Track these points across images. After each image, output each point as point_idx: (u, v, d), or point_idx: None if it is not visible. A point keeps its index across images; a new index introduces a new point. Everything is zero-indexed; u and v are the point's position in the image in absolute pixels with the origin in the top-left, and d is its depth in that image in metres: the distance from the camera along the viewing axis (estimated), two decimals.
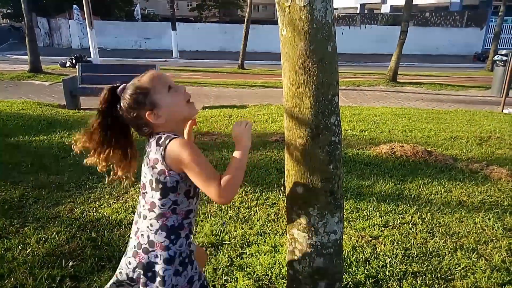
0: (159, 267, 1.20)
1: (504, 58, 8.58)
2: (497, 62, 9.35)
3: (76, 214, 2.78)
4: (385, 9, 36.40)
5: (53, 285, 1.96)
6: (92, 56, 14.85)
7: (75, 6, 23.64)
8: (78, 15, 23.80)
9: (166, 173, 1.17)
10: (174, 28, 20.59)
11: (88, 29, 14.72)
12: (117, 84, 1.29)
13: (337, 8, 43.56)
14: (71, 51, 20.54)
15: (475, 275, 2.15)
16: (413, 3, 12.59)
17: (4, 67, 14.61)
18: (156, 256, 1.21)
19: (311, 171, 1.35)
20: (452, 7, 31.27)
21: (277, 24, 1.31)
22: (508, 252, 2.40)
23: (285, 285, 1.63)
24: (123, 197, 3.09)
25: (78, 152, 1.31)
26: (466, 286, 2.05)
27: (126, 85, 1.28)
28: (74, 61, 15.87)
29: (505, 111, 8.04)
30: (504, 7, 17.06)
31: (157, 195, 1.21)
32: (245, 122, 1.27)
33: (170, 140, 1.17)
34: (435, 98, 10.24)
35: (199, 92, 10.00)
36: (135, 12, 32.89)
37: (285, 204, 1.62)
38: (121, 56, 19.64)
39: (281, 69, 1.35)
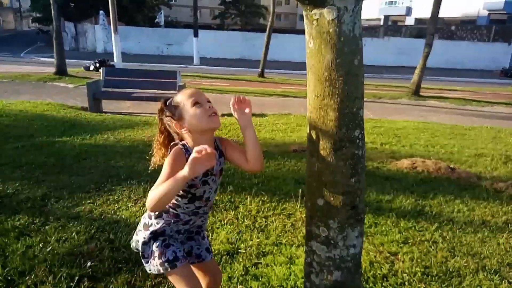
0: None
1: None
2: None
3: (95, 215, 2.82)
4: (410, 21, 36.11)
5: (71, 284, 1.99)
6: (115, 60, 15.21)
7: (101, 11, 24.37)
8: (103, 20, 24.53)
9: None
10: (196, 35, 20.91)
11: (112, 34, 15.12)
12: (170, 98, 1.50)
13: None
14: (96, 55, 21.11)
15: None
16: (439, 16, 12.41)
17: (31, 69, 15.09)
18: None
19: (333, 183, 1.33)
20: (479, 21, 30.78)
21: (298, 33, 1.32)
22: None
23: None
24: (141, 200, 3.12)
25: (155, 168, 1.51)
26: None
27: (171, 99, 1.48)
28: (97, 65, 16.30)
29: None
30: None
31: None
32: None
33: (171, 148, 1.39)
34: (459, 113, 10.03)
35: (219, 99, 10.07)
36: (158, 18, 33.62)
37: (302, 216, 1.62)
38: (143, 61, 20.06)
39: (306, 80, 1.35)
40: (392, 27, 33.01)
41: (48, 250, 2.30)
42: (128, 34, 24.44)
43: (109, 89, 8.34)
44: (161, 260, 1.42)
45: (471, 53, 25.37)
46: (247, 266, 2.26)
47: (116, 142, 4.99)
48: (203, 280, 1.61)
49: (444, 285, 2.17)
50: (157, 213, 1.45)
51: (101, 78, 8.46)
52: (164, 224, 1.46)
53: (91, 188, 3.34)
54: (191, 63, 21.00)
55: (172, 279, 1.46)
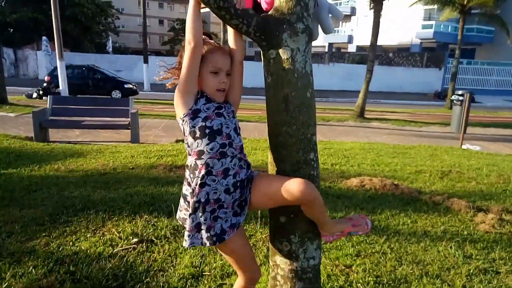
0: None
1: (461, 98, 9.28)
2: (454, 101, 10.06)
3: (52, 248, 2.75)
4: (352, 48, 38.49)
5: None
6: (61, 87, 14.68)
7: (44, 37, 23.56)
8: (47, 46, 23.68)
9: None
10: (146, 61, 20.81)
11: (58, 60, 14.64)
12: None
13: None
14: (38, 82, 20.25)
15: None
16: (378, 43, 13.46)
17: None
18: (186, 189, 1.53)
19: None
20: (413, 49, 33.48)
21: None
22: (468, 277, 2.59)
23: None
24: (100, 230, 3.08)
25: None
26: None
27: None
28: (41, 92, 15.65)
29: (463, 146, 8.61)
30: (459, 50, 18.48)
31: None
32: None
33: None
34: (400, 134, 10.81)
35: (172, 125, 10.09)
36: (107, 45, 33.04)
37: (262, 236, 1.74)
38: None
39: (266, 110, 1.51)
40: (336, 53, 34.92)
41: (4, 287, 2.23)
42: (73, 60, 23.71)
43: (57, 118, 8.08)
44: (208, 234, 1.44)
45: (407, 77, 27.49)
46: (212, 287, 2.33)
47: (68, 172, 4.85)
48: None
49: None
50: (189, 175, 1.47)
51: (48, 106, 8.19)
52: (202, 184, 1.44)
53: (45, 220, 3.23)
54: (141, 89, 20.77)
55: (221, 251, 1.54)
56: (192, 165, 1.48)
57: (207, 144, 1.44)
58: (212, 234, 1.46)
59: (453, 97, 10.34)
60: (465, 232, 3.35)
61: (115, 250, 2.73)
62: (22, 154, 5.90)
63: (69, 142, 7.66)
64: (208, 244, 1.46)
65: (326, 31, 1.51)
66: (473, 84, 27.45)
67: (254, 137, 8.75)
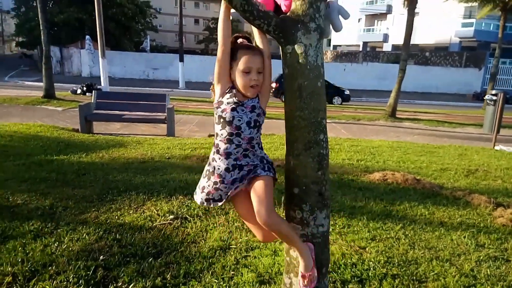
0: None
1: (494, 97, 9.11)
2: (487, 101, 9.87)
3: (101, 220, 3.16)
4: (387, 47, 37.75)
5: (89, 272, 2.33)
6: (102, 84, 15.54)
7: (87, 36, 24.83)
8: (90, 45, 24.97)
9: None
10: (181, 60, 21.48)
11: (100, 58, 15.50)
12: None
13: (340, 45, 45.13)
14: (81, 79, 21.45)
15: (446, 279, 2.50)
16: (414, 42, 13.37)
17: (18, 93, 15.31)
18: None
19: (304, 176, 1.76)
20: (452, 48, 32.44)
21: (280, 58, 1.78)
22: (477, 263, 2.75)
23: (283, 280, 1.99)
24: (140, 208, 3.47)
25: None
26: (437, 287, 2.40)
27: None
28: (85, 88, 16.66)
29: (496, 147, 8.45)
30: (499, 50, 17.85)
31: None
32: None
33: None
34: (432, 134, 10.70)
35: (206, 121, 10.54)
36: (144, 44, 34.27)
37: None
38: (129, 85, 20.48)
39: (284, 97, 1.79)
40: (370, 52, 34.43)
41: (63, 247, 2.64)
42: (114, 59, 24.90)
43: (101, 111, 8.71)
44: (207, 197, 1.82)
45: (444, 77, 26.72)
46: (238, 258, 2.64)
47: (111, 159, 5.33)
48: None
49: (403, 270, 2.59)
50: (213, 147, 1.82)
51: (92, 101, 8.84)
52: (213, 159, 1.79)
53: (94, 198, 3.67)
54: (176, 87, 21.51)
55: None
56: (214, 142, 1.85)
57: (220, 130, 1.78)
58: (210, 197, 1.83)
59: (486, 97, 10.13)
60: (481, 224, 3.47)
61: (154, 224, 3.10)
62: (70, 143, 6.48)
63: (111, 134, 8.23)
64: (205, 204, 1.84)
65: (336, 30, 1.77)
66: None
67: (283, 133, 8.99)
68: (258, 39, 1.82)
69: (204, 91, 20.60)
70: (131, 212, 3.38)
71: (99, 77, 15.80)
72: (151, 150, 6.05)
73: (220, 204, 1.83)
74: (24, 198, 3.56)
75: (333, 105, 17.69)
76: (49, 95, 13.86)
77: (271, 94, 1.93)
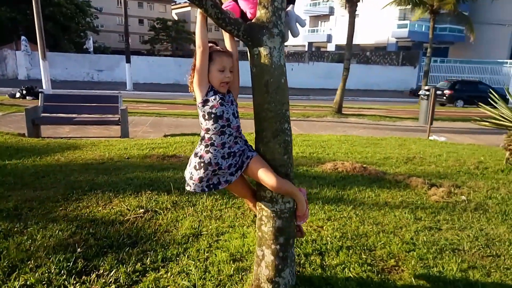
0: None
1: (427, 92, 10.04)
2: (421, 96, 10.84)
3: (71, 217, 3.23)
4: (331, 47, 39.43)
5: (69, 264, 2.44)
6: (44, 87, 14.85)
7: (23, 37, 23.44)
8: (26, 46, 23.58)
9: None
10: (128, 61, 21.01)
11: (40, 60, 14.83)
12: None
13: (287, 45, 46.31)
14: (18, 82, 20.24)
15: (391, 247, 2.91)
16: (356, 42, 14.21)
17: None
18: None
19: (272, 160, 2.05)
20: (389, 48, 34.62)
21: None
22: (416, 232, 3.22)
23: (253, 258, 2.26)
24: (109, 205, 3.57)
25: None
26: (384, 253, 2.80)
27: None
28: (24, 92, 15.79)
29: (430, 138, 9.36)
30: (431, 49, 19.44)
31: None
32: None
33: None
34: (375, 128, 11.52)
35: (159, 122, 10.53)
36: (87, 44, 32.90)
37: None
38: (72, 87, 19.63)
39: (252, 93, 2.06)
40: (316, 52, 35.73)
41: (37, 244, 2.71)
42: (54, 60, 23.65)
43: (49, 115, 8.43)
44: (207, 183, 2.03)
45: (384, 75, 28.52)
46: (210, 242, 2.87)
47: (69, 162, 5.28)
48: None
49: (355, 241, 2.97)
50: (201, 141, 2.03)
51: (39, 104, 8.52)
52: (207, 151, 2.00)
53: (59, 198, 3.70)
54: (124, 88, 20.96)
55: (229, 189, 2.22)
56: (202, 137, 2.05)
57: (212, 125, 1.99)
58: (210, 183, 2.06)
59: (420, 92, 11.13)
60: (419, 202, 3.99)
61: (126, 218, 3.24)
62: (20, 148, 6.27)
63: (61, 138, 8.01)
64: (206, 190, 2.06)
65: (294, 35, 2.08)
66: None
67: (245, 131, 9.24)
68: (228, 43, 2.07)
69: (154, 92, 20.37)
70: (100, 209, 3.47)
71: (38, 79, 15.10)
72: (109, 151, 6.05)
73: (220, 187, 2.07)
74: None
75: None
76: None
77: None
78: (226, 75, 1.99)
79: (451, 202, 4.02)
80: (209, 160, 2.01)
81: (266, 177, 1.99)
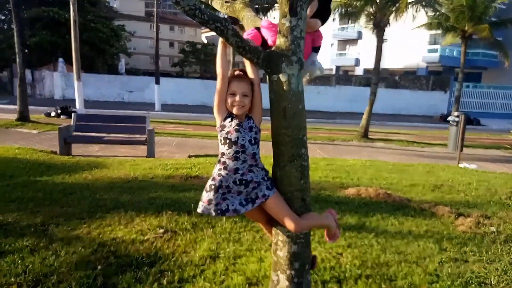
0: None
1: (456, 119, 9.79)
2: (450, 122, 10.57)
3: (93, 235, 3.32)
4: (359, 71, 39.30)
5: (89, 280, 2.50)
6: (77, 107, 15.49)
7: (60, 59, 24.72)
8: (63, 67, 24.85)
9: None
10: (157, 82, 21.69)
11: (75, 81, 15.55)
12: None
13: None
14: (54, 102, 21.22)
15: (413, 277, 2.81)
16: (384, 67, 14.17)
17: None
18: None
19: (289, 184, 2.05)
20: (419, 72, 34.14)
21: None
22: (440, 264, 3.09)
23: (271, 278, 2.24)
24: (131, 224, 3.65)
25: None
26: (405, 284, 2.71)
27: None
28: (59, 111, 16.54)
29: (460, 165, 9.05)
30: (462, 74, 19.06)
31: None
32: None
33: None
34: (402, 153, 11.27)
35: (185, 142, 10.73)
36: (119, 66, 34.27)
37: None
38: (104, 107, 20.32)
39: (270, 117, 2.09)
40: (343, 76, 35.69)
41: (61, 260, 2.79)
42: (88, 81, 24.68)
43: (81, 134, 8.78)
44: (215, 208, 2.00)
45: (413, 100, 28.02)
46: (227, 265, 2.87)
47: (95, 180, 5.45)
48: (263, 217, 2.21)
49: (376, 271, 2.89)
50: (217, 164, 2.06)
51: (72, 123, 8.90)
52: (219, 174, 2.01)
53: (84, 215, 3.82)
54: (152, 109, 21.55)
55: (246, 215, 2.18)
56: (218, 160, 2.08)
57: (227, 149, 2.02)
58: (219, 208, 2.03)
59: (449, 118, 10.86)
60: (445, 232, 3.84)
61: (146, 237, 3.29)
62: (51, 165, 6.54)
63: (91, 156, 8.30)
64: (214, 214, 2.03)
65: (311, 76, 2.22)
66: (478, 108, 27.86)
67: (264, 153, 9.29)
68: (249, 70, 2.13)
69: (181, 113, 20.83)
70: (121, 227, 3.55)
71: (72, 99, 15.80)
72: (134, 171, 6.20)
73: (227, 214, 2.03)
74: (14, 217, 3.67)
75: (308, 127, 18.21)
76: (23, 117, 13.71)
77: None
78: (236, 98, 2.03)
79: (480, 233, 3.85)
80: (220, 183, 2.02)
81: (285, 221, 2.01)
